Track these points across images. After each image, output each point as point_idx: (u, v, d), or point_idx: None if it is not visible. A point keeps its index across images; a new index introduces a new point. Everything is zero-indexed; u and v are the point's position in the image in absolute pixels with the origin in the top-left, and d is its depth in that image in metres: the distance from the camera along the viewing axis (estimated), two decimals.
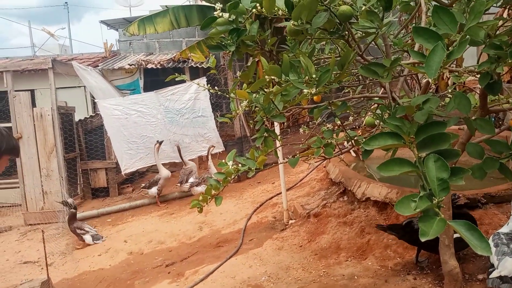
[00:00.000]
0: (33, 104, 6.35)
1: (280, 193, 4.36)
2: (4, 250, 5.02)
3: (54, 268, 4.23)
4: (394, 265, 2.67)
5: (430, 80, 1.38)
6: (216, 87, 2.88)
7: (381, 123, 2.48)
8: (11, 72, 6.38)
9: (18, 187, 6.17)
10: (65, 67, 7.03)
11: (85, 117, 7.48)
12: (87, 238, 4.75)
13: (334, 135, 2.26)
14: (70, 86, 8.56)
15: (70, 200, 5.00)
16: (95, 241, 4.75)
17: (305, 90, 1.73)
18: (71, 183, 6.48)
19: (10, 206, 6.49)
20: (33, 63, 7.63)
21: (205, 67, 8.62)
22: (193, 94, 7.20)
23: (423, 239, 1.12)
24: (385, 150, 2.00)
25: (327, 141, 2.16)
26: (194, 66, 8.71)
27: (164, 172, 6.19)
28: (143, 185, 6.36)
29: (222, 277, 3.09)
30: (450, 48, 1.41)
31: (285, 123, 7.79)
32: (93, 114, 7.70)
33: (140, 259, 4.06)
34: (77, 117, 7.30)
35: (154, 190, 6.06)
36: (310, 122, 6.90)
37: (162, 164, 7.28)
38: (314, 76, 1.77)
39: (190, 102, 7.21)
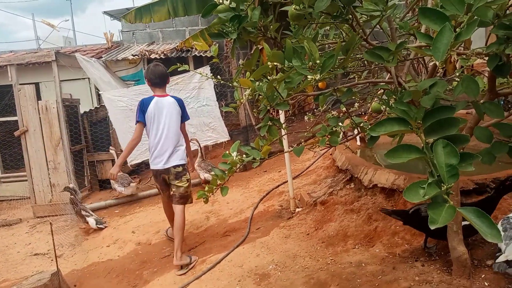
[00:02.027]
0: (38, 97, 6.37)
1: (287, 181, 4.34)
2: (15, 242, 5.08)
3: (63, 259, 4.27)
4: (402, 252, 2.65)
5: (437, 63, 1.33)
6: (219, 76, 2.84)
7: (387, 108, 2.43)
8: (15, 65, 6.39)
9: (26, 180, 6.22)
10: (68, 59, 7.01)
11: (90, 109, 7.48)
12: (91, 221, 4.83)
13: (340, 122, 2.22)
14: (74, 78, 8.56)
15: (71, 185, 5.06)
16: (98, 225, 4.82)
17: (309, 76, 1.69)
18: (78, 175, 6.51)
19: (19, 199, 6.56)
20: (37, 56, 7.61)
21: (209, 55, 8.56)
22: (197, 83, 7.16)
23: (432, 227, 1.09)
24: (392, 136, 1.97)
25: (333, 129, 2.12)
26: (198, 55, 8.65)
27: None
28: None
29: (229, 266, 3.10)
30: (458, 30, 1.36)
31: (290, 111, 7.74)
32: (98, 106, 7.70)
33: (148, 250, 4.09)
34: (82, 109, 7.30)
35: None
36: (316, 110, 6.84)
37: None
38: (318, 61, 1.73)
39: (195, 92, 7.17)
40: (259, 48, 4.81)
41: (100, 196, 6.57)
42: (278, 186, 4.79)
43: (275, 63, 1.82)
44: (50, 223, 3.65)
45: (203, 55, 8.69)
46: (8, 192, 7.17)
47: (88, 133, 7.10)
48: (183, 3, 7.76)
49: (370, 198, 3.33)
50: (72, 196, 4.94)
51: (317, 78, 1.67)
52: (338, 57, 1.79)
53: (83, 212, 4.86)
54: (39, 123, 6.08)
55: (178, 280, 3.18)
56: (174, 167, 3.72)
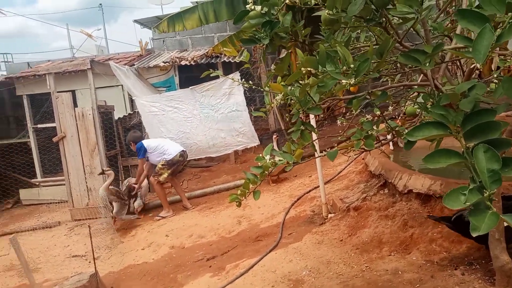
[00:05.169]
0: (75, 104, 6.61)
1: (318, 186, 4.31)
2: (55, 244, 5.29)
3: (100, 261, 4.40)
4: (440, 259, 2.57)
5: (478, 66, 1.30)
6: (250, 81, 2.86)
7: (423, 112, 2.38)
8: (53, 74, 6.66)
9: (64, 184, 6.46)
10: (103, 67, 7.25)
11: (124, 115, 7.71)
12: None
13: (374, 126, 2.19)
14: (108, 85, 8.82)
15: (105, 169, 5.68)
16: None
17: (343, 81, 1.68)
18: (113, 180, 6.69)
19: (58, 203, 6.82)
20: (73, 64, 7.92)
21: (237, 61, 8.63)
22: (227, 89, 7.23)
23: (474, 234, 1.06)
24: (429, 140, 1.92)
25: (367, 133, 2.10)
26: (227, 61, 8.74)
27: None
28: None
29: (262, 271, 3.10)
30: (498, 30, 1.32)
31: (321, 115, 7.68)
32: (131, 112, 7.92)
33: (182, 253, 4.15)
34: (116, 115, 7.53)
35: None
36: (347, 114, 6.76)
37: (199, 158, 7.44)
38: (352, 66, 1.72)
39: (225, 97, 7.25)
40: (290, 52, 4.80)
41: None
42: (310, 191, 4.76)
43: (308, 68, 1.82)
44: (89, 226, 3.78)
45: (232, 61, 8.76)
46: (48, 195, 7.46)
47: (122, 139, 7.30)
48: (213, 9, 7.87)
49: (405, 204, 3.25)
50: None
51: (351, 83, 1.66)
52: (372, 61, 1.77)
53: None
54: (76, 129, 6.31)
55: (212, 283, 3.21)
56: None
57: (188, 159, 7.15)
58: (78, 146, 6.31)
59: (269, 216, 4.50)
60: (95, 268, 3.61)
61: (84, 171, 6.30)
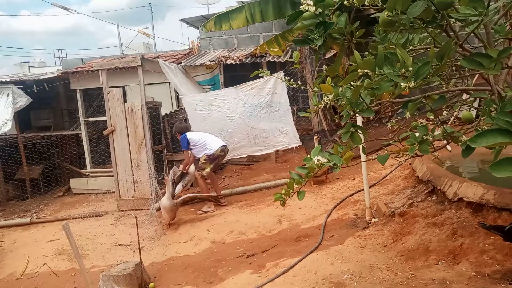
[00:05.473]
0: (124, 100, 6.87)
1: (362, 190, 4.24)
2: (102, 232, 5.53)
3: (144, 251, 4.55)
4: (492, 272, 2.46)
5: None
6: (299, 82, 2.86)
7: (482, 118, 2.28)
8: (106, 70, 6.95)
9: (112, 176, 6.75)
10: (152, 64, 7.48)
11: (170, 112, 7.92)
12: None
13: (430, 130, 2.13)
14: (156, 82, 9.10)
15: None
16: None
17: (402, 84, 1.65)
18: (158, 174, 6.91)
19: (105, 193, 7.12)
20: (124, 61, 8.20)
21: (282, 61, 8.63)
22: (271, 89, 7.25)
23: None
24: (490, 148, 1.85)
25: (422, 138, 2.04)
26: (271, 60, 8.76)
27: None
28: None
29: (303, 272, 3.10)
30: None
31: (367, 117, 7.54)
32: (177, 109, 8.13)
33: (223, 248, 4.22)
34: (163, 111, 7.76)
35: None
36: (393, 116, 6.59)
37: (240, 157, 7.53)
38: (410, 68, 1.69)
39: (268, 97, 7.27)
40: (342, 54, 4.72)
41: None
42: (353, 194, 4.69)
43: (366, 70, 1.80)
44: (136, 217, 3.93)
45: (276, 61, 8.78)
46: (96, 185, 7.82)
47: (168, 134, 7.52)
48: (260, 9, 7.92)
49: (455, 212, 3.14)
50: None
51: (411, 86, 1.63)
52: (432, 64, 1.73)
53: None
54: (125, 124, 6.56)
55: (252, 280, 3.25)
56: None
57: (230, 157, 7.26)
58: (127, 140, 6.56)
59: (310, 217, 4.48)
60: (140, 257, 3.75)
61: (131, 164, 6.54)
